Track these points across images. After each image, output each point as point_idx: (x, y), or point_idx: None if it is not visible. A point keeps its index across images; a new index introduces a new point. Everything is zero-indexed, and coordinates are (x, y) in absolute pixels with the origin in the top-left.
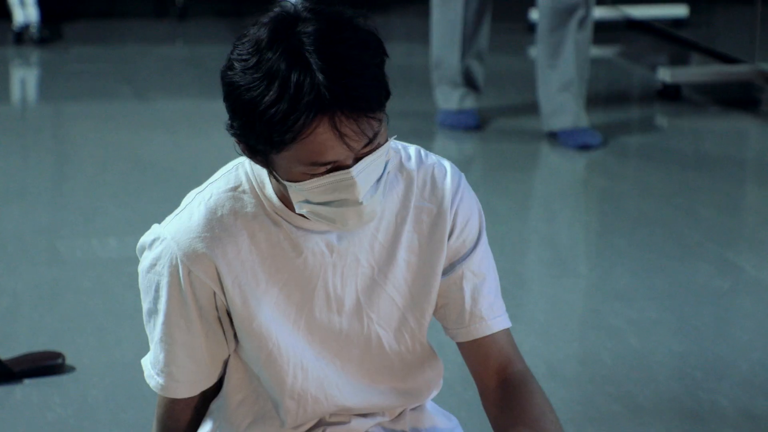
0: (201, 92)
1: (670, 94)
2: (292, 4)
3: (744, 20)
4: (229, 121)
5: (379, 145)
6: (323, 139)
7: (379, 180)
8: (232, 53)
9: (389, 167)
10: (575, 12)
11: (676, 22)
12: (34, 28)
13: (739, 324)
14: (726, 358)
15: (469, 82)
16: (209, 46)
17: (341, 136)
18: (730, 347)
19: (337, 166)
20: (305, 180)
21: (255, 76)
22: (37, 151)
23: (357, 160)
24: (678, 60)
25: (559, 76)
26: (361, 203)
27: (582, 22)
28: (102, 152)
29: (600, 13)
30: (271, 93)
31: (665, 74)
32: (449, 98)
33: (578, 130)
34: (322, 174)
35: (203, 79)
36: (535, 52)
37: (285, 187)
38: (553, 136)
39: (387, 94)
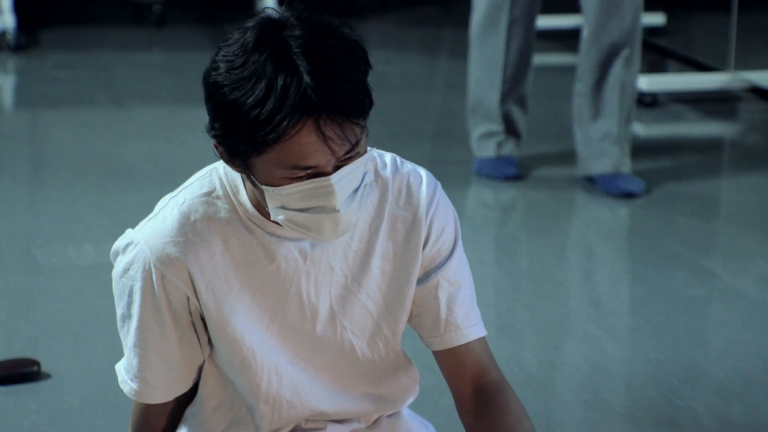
0: (178, 99)
1: (647, 102)
2: (278, 11)
3: (721, 28)
4: (210, 123)
5: (359, 154)
6: (307, 141)
7: (356, 191)
8: (216, 55)
9: (366, 179)
10: (620, 51)
11: (653, 31)
12: (11, 34)
13: (715, 331)
14: (702, 365)
15: (509, 128)
16: (186, 53)
17: (325, 139)
18: (706, 355)
19: (317, 173)
20: (284, 185)
21: (241, 76)
22: (13, 158)
23: (336, 168)
24: (655, 68)
25: (601, 123)
26: (338, 211)
27: (628, 61)
28: (78, 159)
29: (573, 21)
30: (257, 93)
31: (642, 82)
32: (486, 145)
33: (620, 175)
34: (302, 179)
35: (180, 86)
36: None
37: (262, 192)
38: (591, 181)
39: (370, 103)
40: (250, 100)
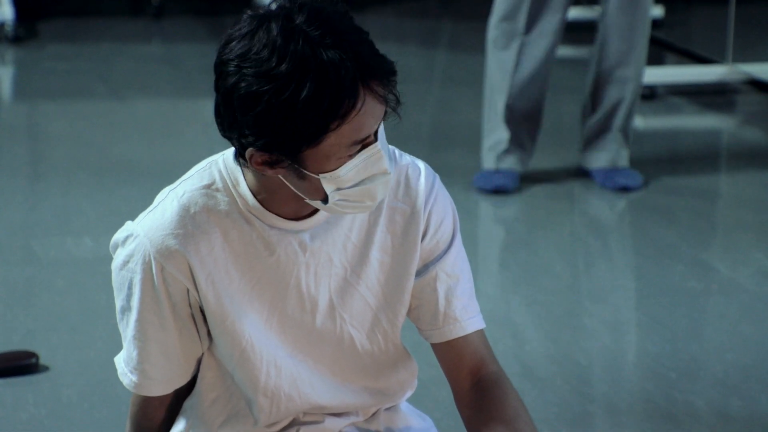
0: (176, 91)
1: (646, 94)
2: (277, 4)
3: (719, 21)
4: (250, 135)
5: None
6: (367, 110)
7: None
8: (227, 68)
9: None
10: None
11: (652, 23)
12: (10, 26)
13: (713, 325)
14: (700, 358)
15: (517, 141)
16: (185, 45)
17: (382, 100)
18: (705, 348)
19: (365, 144)
20: (339, 167)
21: (284, 74)
22: (11, 150)
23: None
24: (653, 61)
25: (601, 116)
26: (390, 173)
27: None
28: (77, 151)
29: (575, 13)
30: (309, 84)
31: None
32: (488, 157)
33: (618, 170)
34: (353, 156)
35: (179, 78)
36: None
37: (313, 182)
38: (588, 174)
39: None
40: (303, 94)
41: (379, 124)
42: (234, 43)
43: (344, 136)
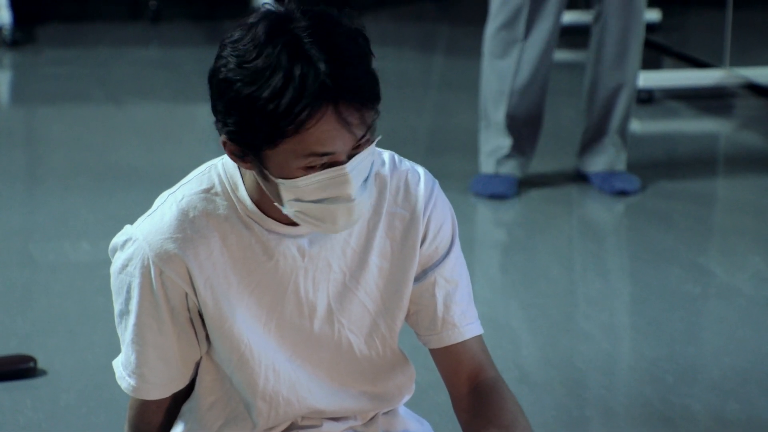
0: (174, 96)
1: (643, 98)
2: (279, 6)
3: (716, 24)
4: (222, 121)
5: (370, 142)
6: (328, 128)
7: (366, 180)
8: (222, 51)
9: (375, 167)
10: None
11: (649, 27)
12: (7, 30)
13: (710, 328)
14: (698, 362)
15: (517, 145)
16: (183, 49)
17: (346, 124)
18: (702, 352)
19: (332, 162)
20: (299, 176)
21: (254, 69)
22: (10, 154)
23: (350, 157)
24: (651, 64)
25: (598, 120)
26: (354, 200)
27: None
28: (74, 155)
29: (572, 17)
30: (274, 85)
31: (638, 79)
32: (488, 161)
33: (615, 174)
34: (317, 170)
35: (177, 82)
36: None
37: (275, 186)
38: (586, 178)
39: (380, 88)
40: (266, 93)
41: (352, 147)
42: (237, 29)
43: (301, 145)
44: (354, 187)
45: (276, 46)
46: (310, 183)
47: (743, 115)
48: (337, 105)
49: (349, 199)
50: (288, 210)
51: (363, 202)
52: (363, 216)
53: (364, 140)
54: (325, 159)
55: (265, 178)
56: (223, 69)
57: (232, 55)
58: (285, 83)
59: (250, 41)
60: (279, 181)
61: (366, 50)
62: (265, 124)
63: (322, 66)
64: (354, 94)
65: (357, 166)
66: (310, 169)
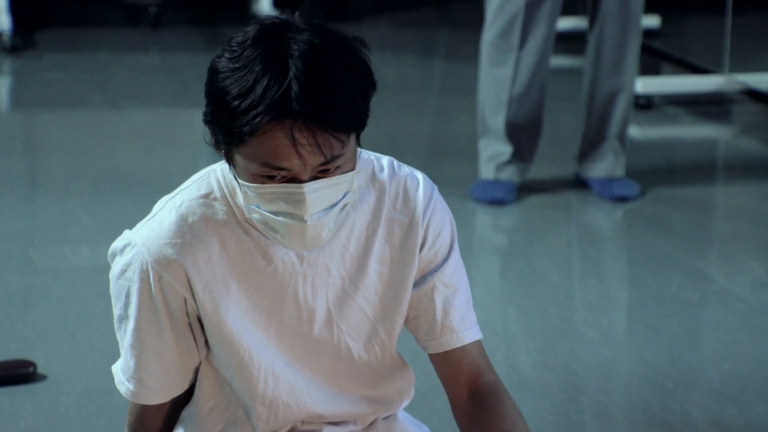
0: (174, 101)
1: (642, 104)
2: (292, 15)
3: (715, 30)
4: (205, 107)
5: (340, 170)
6: (278, 143)
7: (333, 207)
8: (227, 44)
9: (349, 199)
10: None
11: (648, 33)
12: (7, 35)
13: (709, 334)
14: (697, 368)
15: (516, 151)
16: (182, 54)
17: (296, 144)
18: (701, 357)
19: (292, 178)
20: (258, 183)
21: (234, 66)
22: (9, 159)
23: (314, 178)
24: (650, 70)
25: (597, 126)
26: (305, 222)
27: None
28: (74, 160)
29: (570, 23)
30: (242, 84)
31: (637, 85)
32: (487, 167)
33: (614, 180)
34: (276, 181)
35: (176, 87)
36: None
37: (239, 186)
38: (585, 184)
39: (359, 122)
40: (235, 90)
41: (317, 170)
42: (249, 27)
43: (257, 150)
44: (309, 210)
45: (258, 49)
46: (264, 192)
47: (742, 121)
48: (293, 122)
49: (301, 220)
50: (248, 214)
51: (320, 228)
52: (322, 242)
53: (332, 166)
54: (283, 173)
55: (234, 176)
56: (216, 59)
57: (228, 49)
58: (252, 85)
59: (242, 38)
60: (240, 182)
61: (358, 81)
62: (227, 120)
63: (293, 81)
64: (313, 117)
65: (319, 190)
66: (270, 179)
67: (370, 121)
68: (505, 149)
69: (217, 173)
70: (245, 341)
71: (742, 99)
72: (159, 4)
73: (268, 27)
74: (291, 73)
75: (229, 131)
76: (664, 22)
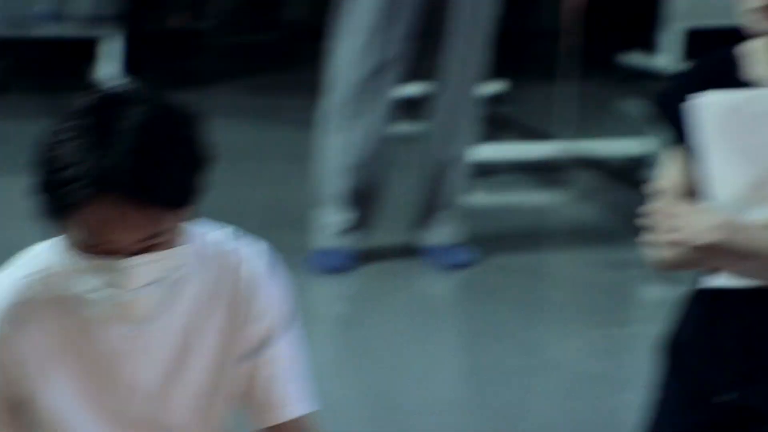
0: (7, 170)
1: (483, 170)
2: (135, 84)
3: (560, 97)
4: (34, 177)
5: (167, 246)
6: (103, 216)
7: (160, 281)
8: (62, 113)
9: (175, 274)
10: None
11: (495, 98)
12: None
13: (539, 402)
14: None
15: (357, 220)
16: (20, 121)
17: (119, 218)
18: (531, 427)
19: (117, 251)
20: (84, 254)
21: (60, 137)
22: None
23: (142, 251)
24: (491, 136)
25: (433, 194)
26: (129, 296)
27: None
28: None
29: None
30: (66, 157)
31: (479, 151)
32: (325, 235)
33: (451, 247)
34: (102, 254)
35: (11, 156)
36: None
37: (66, 259)
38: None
39: (186, 198)
40: (61, 161)
41: (137, 246)
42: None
43: (80, 223)
44: (133, 284)
45: (89, 120)
46: (88, 266)
47: (578, 188)
48: (119, 197)
49: (125, 294)
50: (73, 288)
51: (145, 303)
52: (147, 315)
53: (158, 241)
54: (108, 246)
55: (62, 249)
56: (48, 129)
57: (60, 118)
58: (79, 157)
59: (76, 108)
60: (67, 254)
61: (190, 158)
62: (52, 190)
63: (120, 155)
64: (137, 193)
65: (143, 265)
66: (96, 251)
67: (207, 191)
68: (345, 216)
69: (48, 250)
70: (71, 421)
71: (581, 166)
72: (2, 69)
73: (102, 98)
74: (119, 147)
75: (55, 202)
76: (512, 86)
